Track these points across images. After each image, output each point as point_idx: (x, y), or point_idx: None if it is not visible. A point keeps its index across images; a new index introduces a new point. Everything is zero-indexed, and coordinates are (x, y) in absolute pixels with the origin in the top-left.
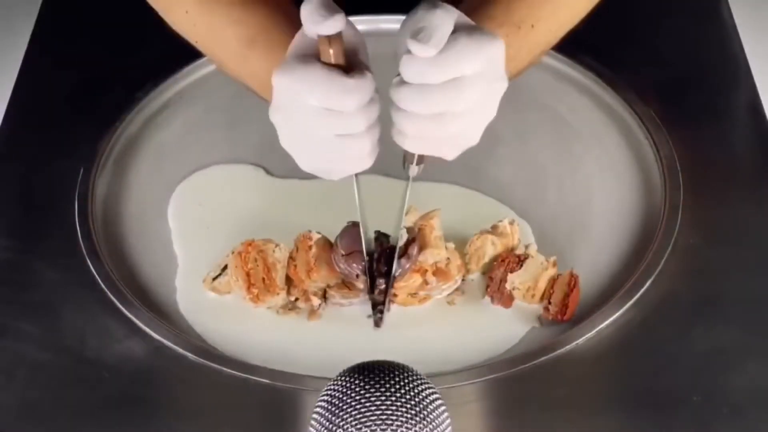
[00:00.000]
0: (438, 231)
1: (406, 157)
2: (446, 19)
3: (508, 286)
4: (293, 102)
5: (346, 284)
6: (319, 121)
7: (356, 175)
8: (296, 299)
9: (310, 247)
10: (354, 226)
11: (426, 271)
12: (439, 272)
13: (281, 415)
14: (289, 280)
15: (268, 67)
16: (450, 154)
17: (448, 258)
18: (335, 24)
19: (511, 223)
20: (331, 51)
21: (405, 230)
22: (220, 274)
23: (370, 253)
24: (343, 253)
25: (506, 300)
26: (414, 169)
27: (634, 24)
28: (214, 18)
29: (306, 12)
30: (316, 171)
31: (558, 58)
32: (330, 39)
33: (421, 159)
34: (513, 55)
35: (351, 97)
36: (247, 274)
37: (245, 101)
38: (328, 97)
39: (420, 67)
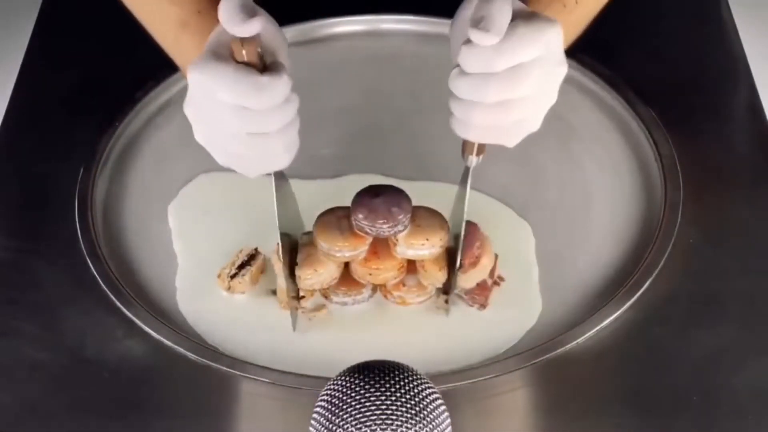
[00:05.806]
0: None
1: (466, 148)
2: (505, 6)
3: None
4: (205, 97)
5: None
6: (230, 117)
7: (273, 174)
8: (303, 296)
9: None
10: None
11: (403, 266)
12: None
13: (281, 415)
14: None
15: (198, 53)
16: (512, 141)
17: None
18: (250, 28)
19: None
20: (244, 52)
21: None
22: (237, 273)
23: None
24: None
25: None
26: (473, 160)
27: (634, 24)
28: None
29: (223, 11)
30: (232, 167)
31: None
32: (243, 40)
33: (481, 149)
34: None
35: (262, 95)
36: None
37: None
38: (237, 93)
39: (483, 56)
